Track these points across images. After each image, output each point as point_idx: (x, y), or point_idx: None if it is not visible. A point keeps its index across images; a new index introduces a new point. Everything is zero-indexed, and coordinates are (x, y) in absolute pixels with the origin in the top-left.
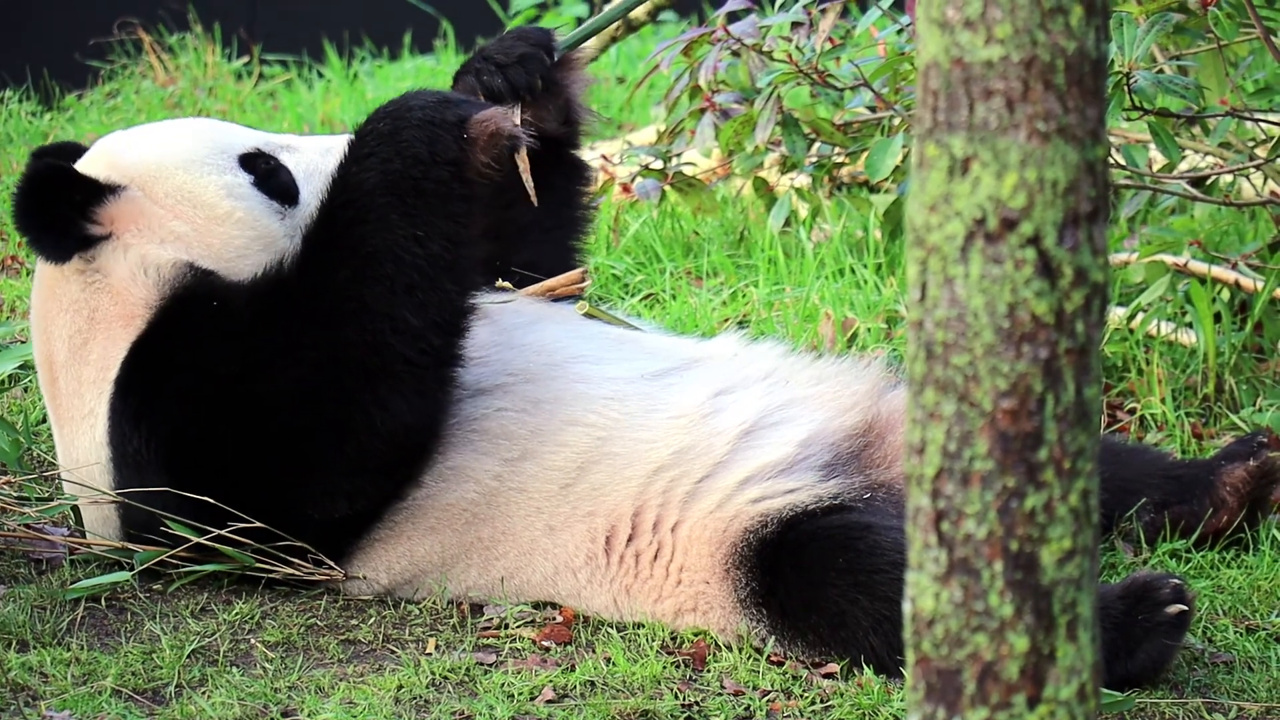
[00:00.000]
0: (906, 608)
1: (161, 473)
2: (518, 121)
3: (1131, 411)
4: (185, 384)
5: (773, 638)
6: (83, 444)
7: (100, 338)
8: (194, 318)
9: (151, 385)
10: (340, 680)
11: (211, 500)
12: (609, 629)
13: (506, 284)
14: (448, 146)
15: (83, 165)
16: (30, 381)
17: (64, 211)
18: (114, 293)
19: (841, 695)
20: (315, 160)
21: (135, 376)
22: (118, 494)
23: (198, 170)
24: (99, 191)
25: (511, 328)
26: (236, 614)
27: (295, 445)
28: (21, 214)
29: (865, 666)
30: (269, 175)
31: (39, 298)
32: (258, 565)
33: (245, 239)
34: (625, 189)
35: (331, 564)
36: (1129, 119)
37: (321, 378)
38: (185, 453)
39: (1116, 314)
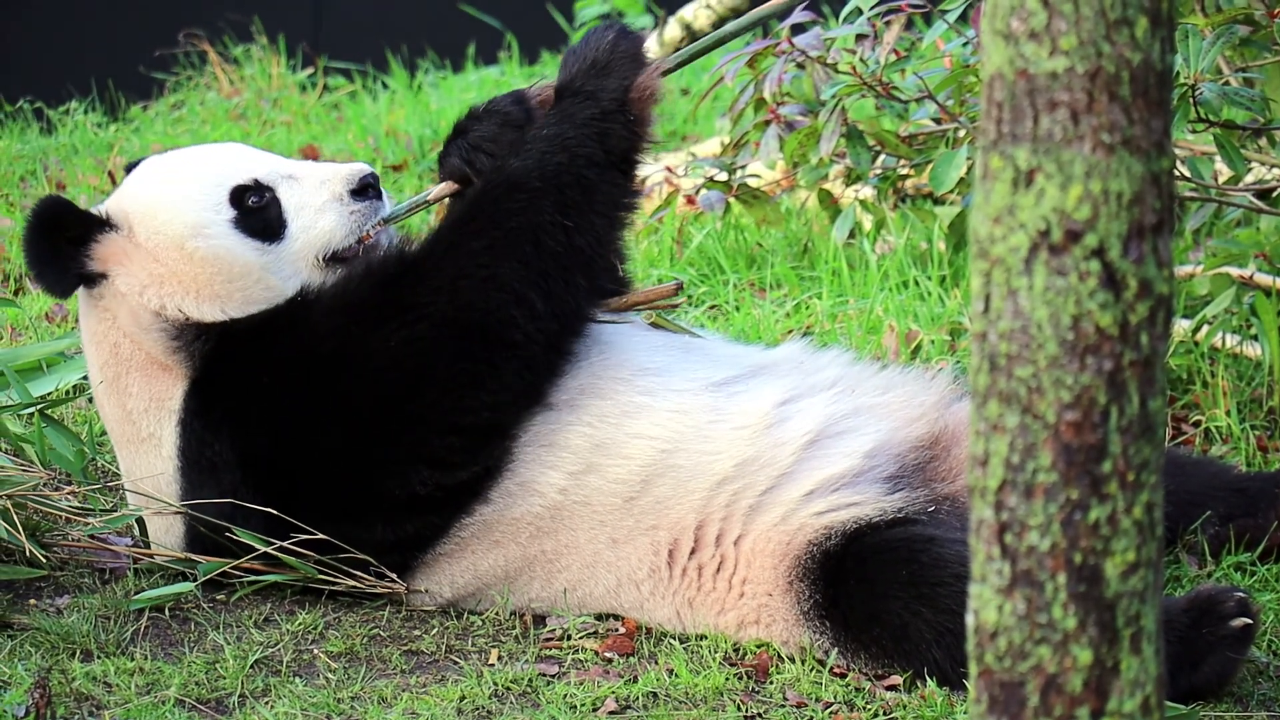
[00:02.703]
0: (970, 620)
1: (236, 469)
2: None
3: (1196, 424)
4: (276, 373)
5: (835, 650)
6: (145, 464)
7: (136, 376)
8: (270, 320)
9: (236, 393)
10: (403, 691)
11: (284, 494)
12: (671, 640)
13: None
14: (620, 139)
15: (113, 194)
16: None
17: (61, 247)
18: (128, 336)
19: (904, 708)
20: (308, 195)
21: (212, 396)
22: (185, 505)
23: (178, 209)
24: (92, 228)
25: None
26: (299, 624)
27: (389, 406)
28: (26, 250)
29: (928, 679)
30: (253, 211)
31: (80, 324)
32: (320, 577)
33: (209, 274)
34: (690, 201)
35: (394, 577)
36: (1194, 131)
37: (435, 335)
38: (268, 442)
39: (1181, 326)
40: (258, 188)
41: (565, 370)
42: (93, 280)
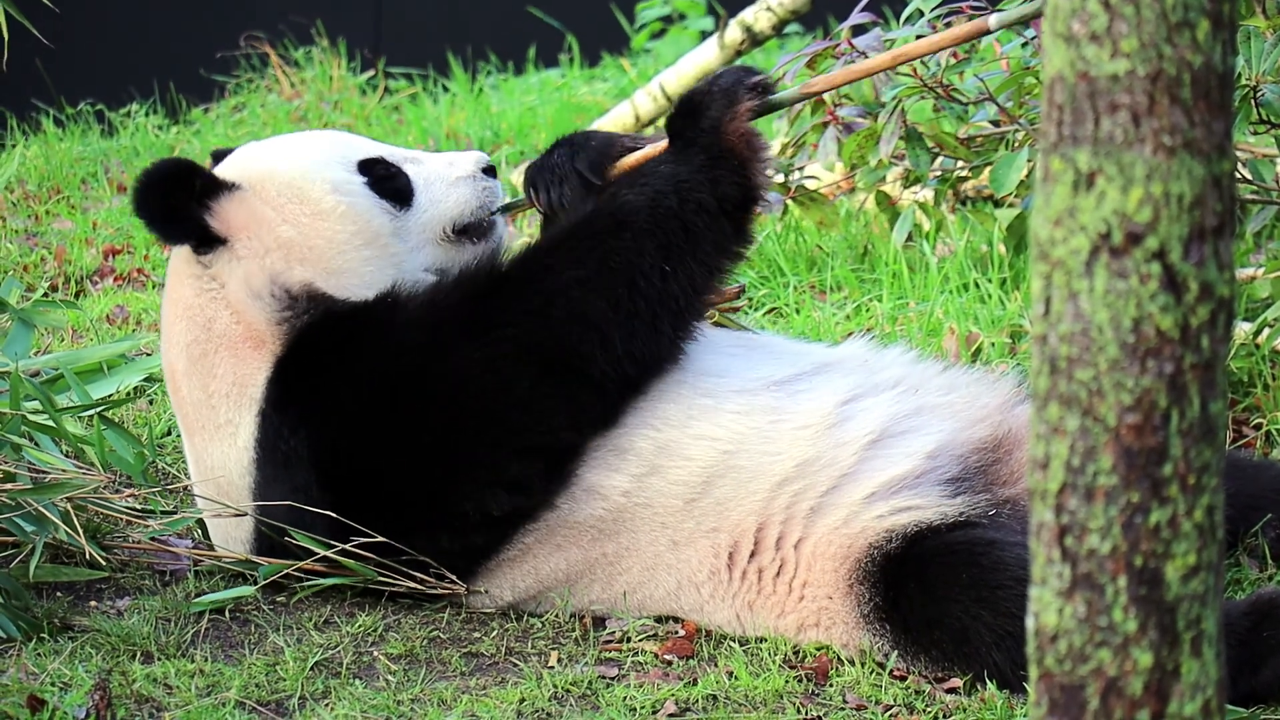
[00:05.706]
0: (1030, 623)
1: (311, 469)
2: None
3: (1257, 427)
4: (357, 373)
5: (895, 653)
6: (218, 451)
7: (225, 355)
8: (360, 314)
9: (316, 387)
10: (463, 693)
11: (354, 500)
12: (731, 643)
13: None
14: (731, 186)
15: (217, 169)
16: (155, 394)
17: (181, 198)
18: (232, 309)
19: (964, 711)
20: (438, 170)
21: (292, 387)
22: (249, 506)
23: (310, 170)
24: (215, 186)
25: None
26: (359, 626)
27: (471, 424)
28: (141, 199)
29: (988, 682)
30: (385, 179)
31: (163, 303)
32: (380, 579)
33: (347, 234)
34: None
35: (454, 579)
36: (1255, 133)
37: (517, 357)
38: (344, 444)
39: (1242, 329)
40: (384, 162)
41: (640, 399)
42: (209, 244)
